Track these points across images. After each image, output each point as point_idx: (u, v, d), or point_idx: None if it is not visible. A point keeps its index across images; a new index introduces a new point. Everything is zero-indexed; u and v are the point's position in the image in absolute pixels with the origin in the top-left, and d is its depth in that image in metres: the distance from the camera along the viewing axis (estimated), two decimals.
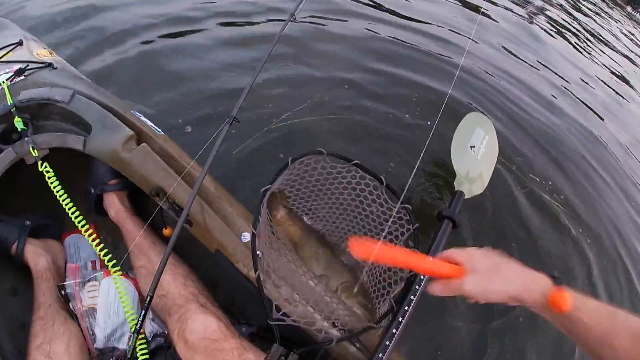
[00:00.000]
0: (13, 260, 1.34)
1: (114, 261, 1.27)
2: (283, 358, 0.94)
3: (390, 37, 3.54)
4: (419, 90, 2.99)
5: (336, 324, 1.09)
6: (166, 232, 1.35)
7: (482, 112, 2.81)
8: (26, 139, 1.25)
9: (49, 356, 1.09)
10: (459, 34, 4.01)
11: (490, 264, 0.78)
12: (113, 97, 1.38)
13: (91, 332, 1.24)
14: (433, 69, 3.27)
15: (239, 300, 1.18)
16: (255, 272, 0.95)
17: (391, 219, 1.21)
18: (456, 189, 1.72)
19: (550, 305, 0.71)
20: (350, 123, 2.55)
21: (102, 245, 1.27)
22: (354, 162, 1.23)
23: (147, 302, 1.02)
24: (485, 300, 0.76)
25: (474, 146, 2.18)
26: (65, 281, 1.32)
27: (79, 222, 1.26)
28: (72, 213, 1.26)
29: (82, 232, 1.27)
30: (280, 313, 0.96)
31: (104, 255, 1.26)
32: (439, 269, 0.80)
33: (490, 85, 3.43)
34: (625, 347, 0.64)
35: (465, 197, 1.75)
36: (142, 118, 1.35)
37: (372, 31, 3.55)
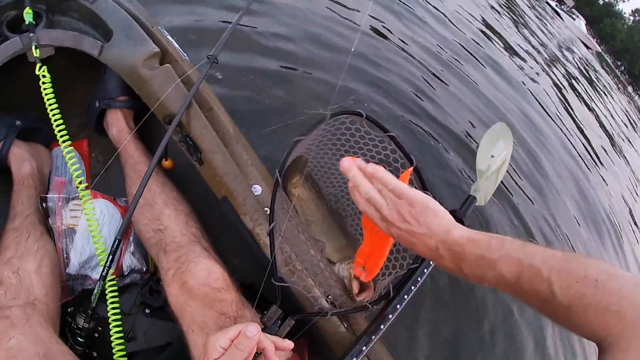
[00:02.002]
0: None
1: (85, 184, 1.16)
2: (280, 321, 0.88)
3: None
4: None
5: (329, 300, 1.04)
6: (166, 163, 1.24)
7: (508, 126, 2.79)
8: (31, 35, 1.12)
9: (18, 273, 0.98)
10: None
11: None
12: (141, 7, 1.24)
13: (65, 255, 1.14)
14: None
15: (235, 255, 1.09)
16: (269, 225, 0.86)
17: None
18: (471, 193, 1.68)
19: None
20: None
21: (77, 165, 1.15)
22: (389, 133, 1.14)
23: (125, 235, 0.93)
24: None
25: (493, 156, 2.14)
26: (48, 193, 1.21)
27: (60, 134, 1.14)
28: (56, 123, 1.14)
29: (61, 145, 1.14)
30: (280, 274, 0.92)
31: (76, 176, 1.14)
32: None
33: None
34: (536, 306, 0.62)
35: (477, 204, 1.71)
36: (169, 37, 1.22)
37: None
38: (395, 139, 1.19)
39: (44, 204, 1.17)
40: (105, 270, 0.98)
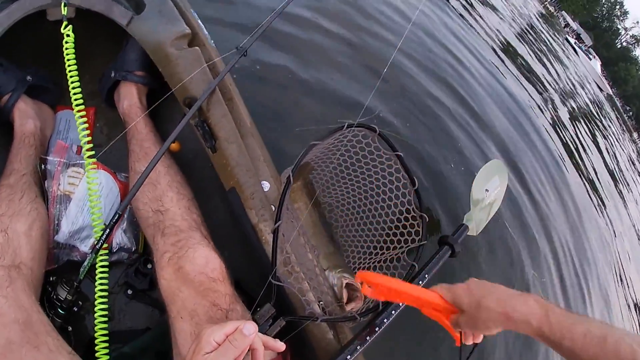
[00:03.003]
0: None
1: (93, 152, 1.13)
2: (271, 320, 0.87)
3: None
4: None
5: (320, 305, 1.04)
6: (174, 146, 1.22)
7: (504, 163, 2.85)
8: None
9: (6, 232, 0.94)
10: None
11: (475, 297, 0.79)
12: None
13: (56, 222, 1.10)
14: None
15: (225, 249, 1.07)
16: (275, 223, 0.86)
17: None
18: (464, 222, 1.71)
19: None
20: None
21: (87, 131, 1.11)
22: (397, 152, 1.16)
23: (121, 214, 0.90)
24: (481, 330, 0.79)
25: (488, 190, 2.20)
26: (48, 156, 1.17)
27: (76, 99, 1.11)
28: (74, 88, 1.11)
29: (75, 111, 1.11)
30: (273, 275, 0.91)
31: (85, 143, 1.11)
32: (430, 299, 0.84)
33: None
34: None
35: (468, 234, 1.75)
36: (200, 22, 1.21)
37: None
38: (402, 159, 1.21)
39: (42, 166, 1.14)
40: (100, 243, 0.95)
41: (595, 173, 6.65)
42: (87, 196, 1.10)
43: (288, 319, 0.90)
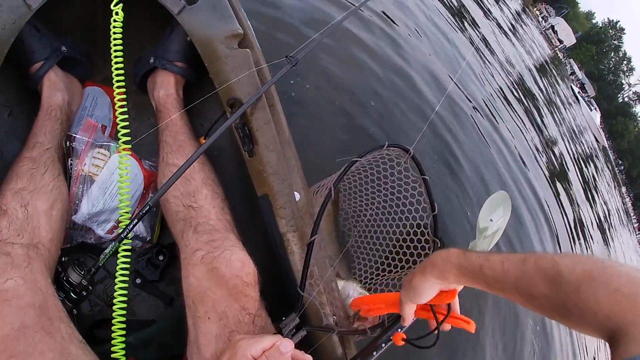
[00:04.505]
0: (26, 79, 1.15)
1: (129, 138, 1.09)
2: (294, 330, 0.88)
3: None
4: None
5: (334, 320, 1.05)
6: (203, 141, 1.20)
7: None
8: None
9: (27, 208, 0.91)
10: None
11: (409, 274, 0.81)
12: None
13: (77, 202, 1.08)
14: None
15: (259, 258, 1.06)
16: (311, 236, 0.86)
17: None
18: (470, 247, 1.76)
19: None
20: None
21: (126, 116, 1.07)
22: (424, 176, 1.16)
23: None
24: (421, 296, 0.78)
25: (492, 220, 2.24)
26: (75, 132, 1.14)
27: (118, 81, 1.07)
28: (117, 69, 1.07)
29: (115, 93, 1.07)
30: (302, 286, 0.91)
31: (122, 127, 1.07)
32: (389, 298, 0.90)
33: None
34: (545, 294, 0.58)
35: None
36: (250, 25, 1.19)
37: None
38: (427, 184, 1.21)
39: (68, 143, 1.11)
40: (126, 232, 0.93)
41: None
42: (115, 181, 1.08)
43: (309, 329, 0.90)
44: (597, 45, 61.06)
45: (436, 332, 0.82)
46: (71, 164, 1.10)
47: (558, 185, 6.34)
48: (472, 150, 3.49)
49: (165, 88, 1.20)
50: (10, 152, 1.09)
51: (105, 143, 1.15)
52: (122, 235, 0.93)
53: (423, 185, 1.21)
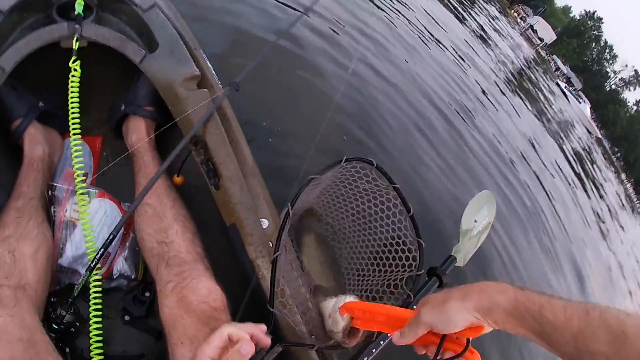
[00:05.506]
0: (8, 135, 1.23)
1: (84, 178, 1.19)
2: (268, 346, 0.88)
3: None
4: None
5: (312, 338, 1.08)
6: (177, 179, 1.28)
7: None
8: (77, 26, 1.16)
9: (14, 254, 0.99)
10: None
11: (442, 293, 0.72)
12: (187, 28, 1.31)
13: (61, 246, 1.15)
14: None
15: (227, 282, 1.12)
16: (274, 253, 0.91)
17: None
18: (452, 253, 1.77)
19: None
20: None
21: (81, 159, 1.16)
22: (394, 184, 1.22)
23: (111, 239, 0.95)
24: (448, 324, 0.69)
25: (476, 221, 2.26)
26: (55, 182, 1.22)
27: (73, 127, 1.16)
28: (72, 116, 1.16)
29: (71, 139, 1.16)
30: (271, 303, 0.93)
31: (77, 169, 1.15)
32: (395, 313, 0.83)
33: None
34: (605, 352, 0.54)
35: (455, 265, 1.80)
36: (208, 63, 1.28)
37: None
38: (398, 190, 1.26)
39: (50, 192, 1.19)
40: (94, 262, 1.01)
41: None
42: (95, 223, 1.15)
43: (284, 345, 0.93)
44: (577, 38, 61.99)
45: None
46: (54, 211, 1.17)
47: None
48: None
49: (137, 133, 1.29)
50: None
51: (85, 189, 1.22)
52: (91, 265, 1.00)
53: (395, 192, 1.26)
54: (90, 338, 1.02)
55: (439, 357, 0.73)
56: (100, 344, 1.02)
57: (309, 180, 1.08)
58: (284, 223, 0.97)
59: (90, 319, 1.03)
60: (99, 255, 1.01)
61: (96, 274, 1.07)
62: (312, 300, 1.17)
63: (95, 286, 1.06)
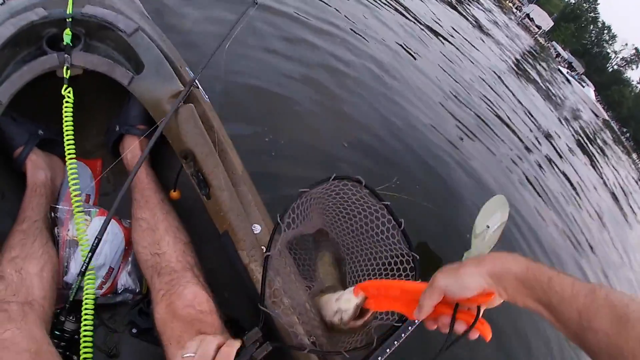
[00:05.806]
0: (12, 163, 1.30)
1: (80, 198, 1.23)
2: (258, 344, 0.91)
3: None
4: None
5: (310, 340, 1.10)
6: (174, 194, 1.33)
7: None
8: (66, 55, 1.21)
9: (20, 272, 1.05)
10: None
11: (457, 263, 0.75)
12: (172, 47, 1.36)
13: (66, 264, 1.20)
14: None
15: (225, 289, 1.17)
16: (266, 251, 0.95)
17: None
18: (463, 260, 1.79)
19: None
20: None
21: (77, 181, 1.21)
22: (384, 202, 1.23)
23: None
24: (462, 289, 0.70)
25: (488, 226, 2.27)
26: (58, 204, 1.28)
27: (69, 153, 1.21)
28: (67, 141, 1.22)
29: (67, 164, 1.21)
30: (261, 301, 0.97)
31: (73, 190, 1.20)
32: (410, 287, 0.85)
33: None
34: (606, 331, 0.56)
35: None
36: (195, 79, 1.33)
37: None
38: (389, 207, 1.26)
39: (52, 214, 1.25)
40: (85, 266, 1.07)
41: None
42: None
43: (274, 345, 0.94)
44: (574, 22, 61.55)
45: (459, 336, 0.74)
46: (58, 232, 1.23)
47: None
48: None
49: (132, 151, 1.35)
50: (6, 227, 1.22)
51: (87, 209, 1.28)
52: (81, 269, 1.07)
53: (385, 209, 1.28)
54: (81, 343, 1.06)
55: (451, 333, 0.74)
56: (90, 349, 1.06)
57: (300, 193, 1.11)
58: (274, 230, 1.01)
59: (82, 321, 1.08)
60: (88, 259, 1.07)
61: (89, 275, 1.12)
62: (310, 301, 1.20)
63: (87, 294, 1.11)
